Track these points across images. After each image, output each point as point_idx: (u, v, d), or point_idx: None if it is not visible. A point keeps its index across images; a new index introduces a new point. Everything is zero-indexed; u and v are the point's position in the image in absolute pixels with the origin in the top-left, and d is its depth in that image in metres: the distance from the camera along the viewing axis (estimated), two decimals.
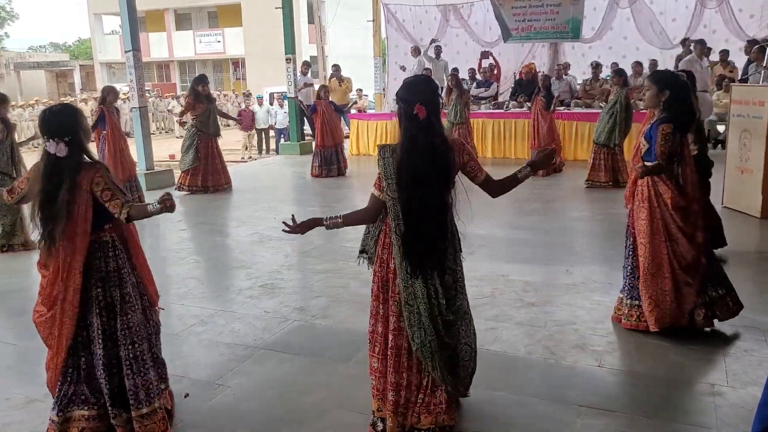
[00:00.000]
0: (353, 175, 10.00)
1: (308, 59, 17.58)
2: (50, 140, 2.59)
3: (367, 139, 12.19)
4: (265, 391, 3.24)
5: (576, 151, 10.54)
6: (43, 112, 2.71)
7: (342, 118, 11.82)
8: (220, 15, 35.38)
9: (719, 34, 11.82)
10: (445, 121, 10.04)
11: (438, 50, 13.68)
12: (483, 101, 12.02)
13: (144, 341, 2.77)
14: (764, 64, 7.96)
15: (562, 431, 2.81)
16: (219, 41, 34.67)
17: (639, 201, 3.66)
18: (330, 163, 9.87)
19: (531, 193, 8.03)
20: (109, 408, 2.70)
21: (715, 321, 3.75)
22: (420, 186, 2.50)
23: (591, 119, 9.56)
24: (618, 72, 8.56)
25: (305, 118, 12.96)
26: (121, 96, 9.17)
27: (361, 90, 18.64)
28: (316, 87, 11.85)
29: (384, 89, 14.70)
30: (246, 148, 17.19)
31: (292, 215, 2.74)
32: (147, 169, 9.26)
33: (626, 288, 3.82)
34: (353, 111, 13.16)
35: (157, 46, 34.93)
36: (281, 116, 15.92)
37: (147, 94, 11.81)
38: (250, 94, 20.28)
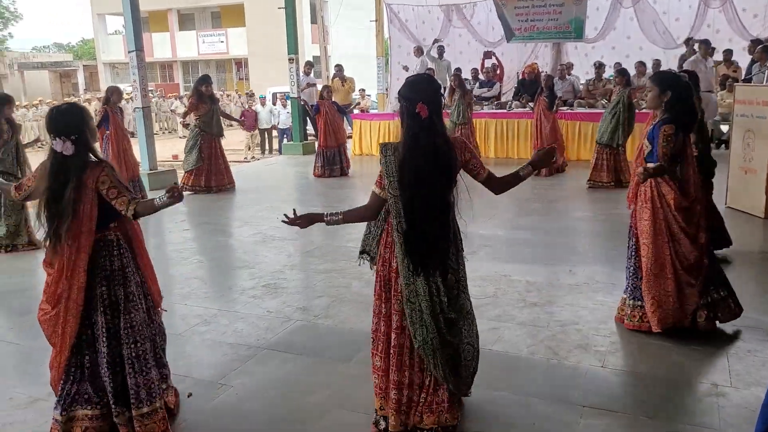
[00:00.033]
0: (356, 175, 10.00)
1: (311, 59, 17.60)
2: (57, 138, 2.61)
3: (370, 139, 12.20)
4: (268, 390, 3.25)
5: (579, 151, 10.52)
6: (50, 110, 2.74)
7: (345, 119, 11.82)
8: (223, 15, 35.44)
9: (723, 34, 11.78)
10: (447, 122, 10.04)
11: (441, 50, 13.68)
12: (486, 101, 12.02)
13: (146, 340, 2.78)
14: None
15: (565, 431, 2.81)
16: (222, 41, 34.73)
17: (642, 201, 3.66)
18: (333, 163, 9.88)
19: (533, 193, 8.02)
20: (113, 406, 2.71)
21: (717, 323, 3.75)
22: (422, 185, 2.51)
23: (594, 119, 9.55)
24: (621, 72, 8.54)
25: (308, 118, 12.98)
26: (125, 96, 9.19)
27: (363, 90, 18.65)
28: (319, 87, 11.87)
29: (387, 89, 14.70)
30: (249, 148, 17.22)
31: (294, 209, 2.75)
32: (150, 169, 9.27)
33: (629, 288, 3.81)
34: (356, 111, 13.16)
35: (160, 46, 35.01)
36: (284, 116, 15.94)
37: (150, 95, 11.82)
38: (254, 94, 20.30)
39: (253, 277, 5.07)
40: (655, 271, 3.60)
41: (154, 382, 2.76)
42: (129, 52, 9.25)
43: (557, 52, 13.27)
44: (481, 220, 6.65)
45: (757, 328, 3.77)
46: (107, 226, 2.73)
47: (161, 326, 2.97)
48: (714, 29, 11.96)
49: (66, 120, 2.65)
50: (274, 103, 17.71)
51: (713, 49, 10.86)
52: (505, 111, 11.42)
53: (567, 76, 11.83)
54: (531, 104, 10.40)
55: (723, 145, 10.58)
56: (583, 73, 12.88)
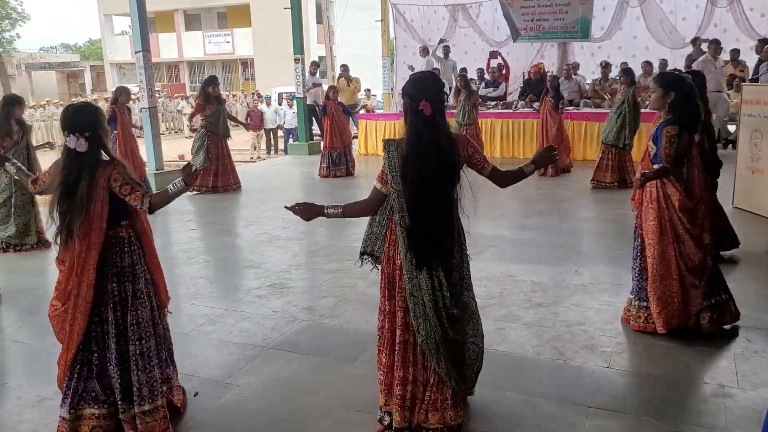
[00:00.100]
0: (361, 175, 10.01)
1: (317, 59, 17.65)
2: (71, 135, 2.65)
3: (376, 139, 12.20)
4: (274, 390, 3.26)
5: (585, 152, 10.49)
6: (65, 108, 2.79)
7: (350, 119, 11.83)
8: (230, 15, 35.53)
9: (730, 33, 11.73)
10: (453, 122, 10.04)
11: (446, 50, 13.67)
12: (491, 101, 12.00)
13: (151, 338, 2.79)
14: None
15: None
16: (228, 42, 34.83)
17: (647, 202, 3.65)
18: (338, 163, 9.89)
19: (539, 193, 8.01)
20: (119, 403, 2.73)
21: (723, 326, 3.73)
22: (425, 183, 2.52)
23: (600, 119, 9.51)
24: (625, 71, 8.52)
25: (314, 119, 12.99)
26: (132, 96, 9.24)
27: (369, 90, 18.67)
28: (325, 87, 11.88)
29: (392, 89, 14.70)
30: (255, 148, 17.26)
31: (296, 203, 2.77)
32: (156, 169, 9.31)
33: (635, 289, 3.81)
34: (362, 111, 13.17)
35: (166, 46, 35.13)
36: (290, 116, 15.97)
37: (157, 95, 11.87)
38: (261, 95, 20.35)
39: (259, 276, 5.09)
40: (661, 272, 3.59)
41: (156, 380, 2.78)
42: (136, 52, 9.29)
43: (563, 52, 13.24)
44: (486, 220, 6.64)
45: (765, 329, 3.75)
46: (119, 224, 2.76)
47: (166, 329, 2.98)
48: (721, 29, 11.92)
49: (80, 118, 2.69)
50: (279, 104, 17.74)
51: (721, 48, 10.81)
52: (510, 111, 11.40)
53: (573, 76, 11.80)
54: (536, 104, 10.37)
55: (730, 145, 10.53)
56: (589, 73, 12.85)
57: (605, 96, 10.39)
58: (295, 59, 12.55)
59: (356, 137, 12.52)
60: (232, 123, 9.07)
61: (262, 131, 17.44)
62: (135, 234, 2.83)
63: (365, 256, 2.88)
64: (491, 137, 11.21)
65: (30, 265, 5.65)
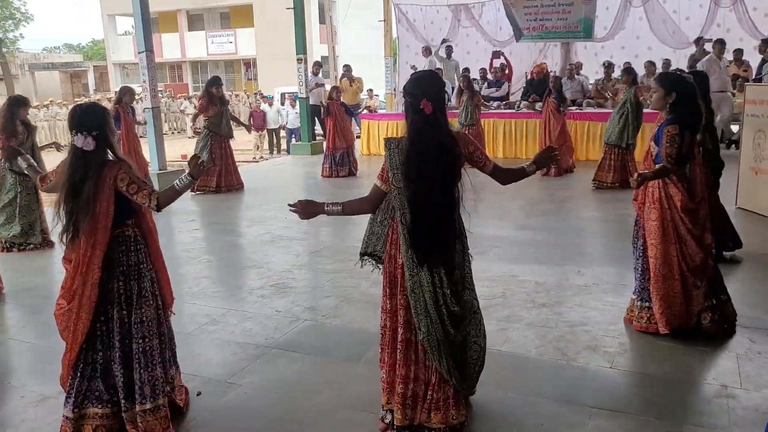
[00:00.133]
0: (364, 175, 10.01)
1: (319, 59, 17.63)
2: (78, 134, 2.67)
3: (378, 140, 12.19)
4: (277, 390, 3.26)
5: (588, 152, 10.48)
6: (73, 108, 2.82)
7: (353, 120, 11.83)
8: (232, 16, 35.57)
9: (733, 33, 11.71)
10: (455, 122, 10.03)
11: (449, 50, 13.67)
12: (493, 101, 11.98)
13: (155, 337, 2.80)
14: None
15: None
16: (231, 42, 34.86)
17: (650, 202, 3.65)
18: (341, 164, 9.89)
19: (542, 193, 8.01)
20: (122, 401, 2.74)
21: (724, 326, 3.73)
22: (426, 182, 2.53)
23: (603, 119, 9.50)
24: (627, 70, 8.50)
25: (317, 119, 12.99)
26: (135, 96, 9.25)
27: (371, 90, 18.67)
28: (328, 87, 11.89)
29: (395, 89, 14.70)
30: (257, 148, 17.28)
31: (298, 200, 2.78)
32: (159, 169, 9.32)
33: (637, 290, 3.80)
34: (364, 111, 13.17)
35: (169, 46, 35.18)
36: (292, 116, 15.98)
37: (159, 95, 11.89)
38: (263, 94, 20.38)
39: (262, 276, 5.09)
40: (664, 272, 3.59)
41: (158, 379, 2.78)
42: (139, 52, 9.30)
43: (566, 52, 13.23)
44: (489, 220, 6.63)
45: None
46: (124, 223, 2.78)
47: (170, 328, 2.99)
48: (724, 28, 11.89)
49: (88, 117, 2.72)
50: (282, 104, 17.74)
51: (725, 48, 10.79)
52: (513, 111, 11.39)
53: (576, 76, 11.79)
54: (539, 104, 10.35)
55: (733, 145, 10.51)
56: (592, 73, 12.84)
57: (606, 95, 10.36)
58: (297, 59, 12.56)
59: (359, 137, 12.53)
60: (234, 123, 9.08)
61: (265, 131, 17.46)
62: (140, 233, 2.85)
63: (366, 257, 2.87)
64: (494, 137, 11.20)
65: (34, 264, 5.67)
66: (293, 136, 16.05)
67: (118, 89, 8.51)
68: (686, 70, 9.08)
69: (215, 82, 8.91)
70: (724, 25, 11.98)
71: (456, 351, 2.65)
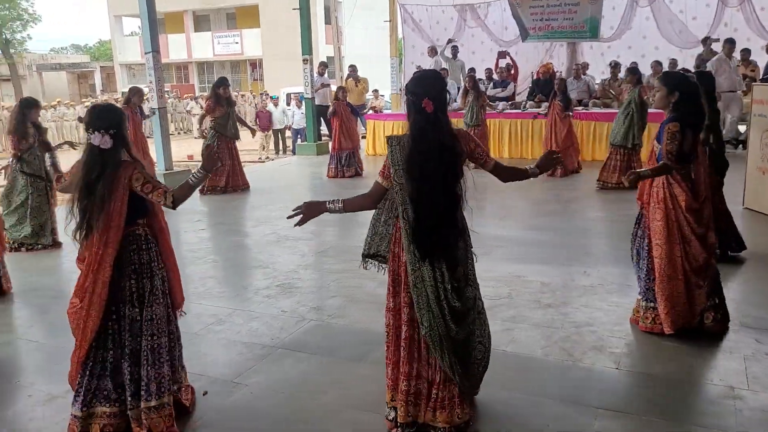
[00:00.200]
0: (370, 176, 10.01)
1: (325, 60, 17.66)
2: (95, 132, 2.70)
3: (384, 140, 12.18)
4: (282, 389, 3.27)
5: (594, 152, 10.45)
6: (91, 107, 2.87)
7: (358, 120, 11.84)
8: (238, 16, 35.66)
9: (740, 33, 11.64)
10: (461, 122, 10.02)
11: (455, 50, 13.66)
12: (499, 102, 11.96)
13: (164, 335, 2.82)
14: None
15: None
16: (237, 42, 34.95)
17: (654, 202, 3.65)
18: (347, 164, 9.90)
19: (547, 194, 7.99)
20: (128, 399, 2.76)
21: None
22: (427, 180, 2.55)
23: (609, 119, 9.47)
24: (631, 70, 8.47)
25: (322, 119, 13.01)
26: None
27: (377, 90, 18.68)
28: (333, 88, 11.89)
29: (400, 89, 14.71)
30: (263, 148, 17.32)
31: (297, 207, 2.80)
32: (166, 169, 9.37)
33: (642, 290, 3.80)
34: (370, 112, 13.19)
35: (175, 47, 35.31)
36: (298, 117, 16.01)
37: (166, 95, 11.95)
38: (268, 94, 20.42)
39: (268, 276, 5.11)
40: (668, 273, 3.59)
41: (164, 377, 2.80)
42: (145, 53, 9.35)
43: (572, 52, 13.19)
44: (494, 220, 6.63)
45: None
46: (135, 222, 2.80)
47: (178, 327, 3.01)
48: (732, 28, 11.83)
49: (106, 116, 2.76)
50: (288, 104, 17.77)
51: (734, 48, 10.73)
52: (519, 111, 11.37)
53: (582, 76, 11.75)
54: (545, 104, 10.33)
55: (740, 146, 10.45)
56: (598, 73, 12.80)
57: (610, 94, 10.33)
58: (303, 60, 12.58)
59: (364, 137, 12.54)
60: (240, 125, 9.10)
61: (271, 132, 17.50)
62: (152, 232, 2.88)
63: (369, 259, 2.88)
64: (499, 137, 11.18)
65: (42, 264, 5.70)
66: (299, 136, 16.08)
67: (126, 90, 8.56)
68: (692, 70, 9.04)
69: (222, 83, 8.93)
70: (731, 24, 11.92)
71: (458, 348, 2.66)
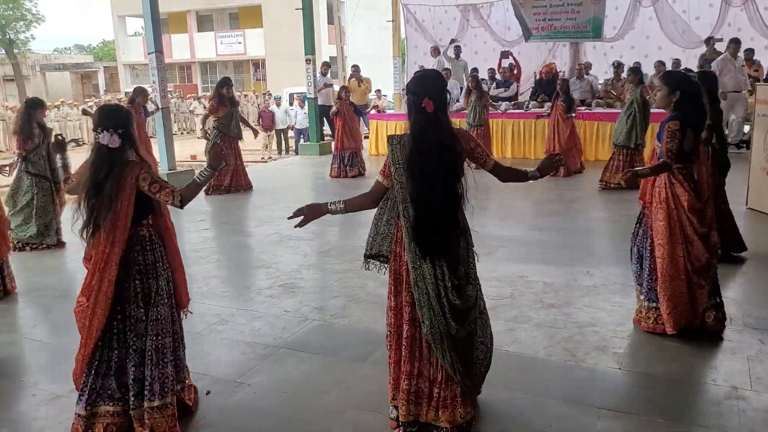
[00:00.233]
0: (372, 176, 10.00)
1: (328, 60, 17.67)
2: (104, 131, 2.73)
3: (387, 140, 12.18)
4: (285, 389, 3.28)
5: (597, 152, 10.44)
6: (100, 107, 2.93)
7: (361, 120, 11.84)
8: (241, 16, 35.69)
9: (744, 33, 11.62)
10: (464, 122, 10.02)
11: (457, 50, 13.65)
12: (502, 102, 11.95)
13: (168, 335, 2.84)
14: None
15: None
16: (240, 42, 34.98)
17: (657, 203, 3.65)
18: (351, 164, 9.91)
19: (550, 194, 7.98)
20: (132, 399, 2.76)
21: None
22: (428, 180, 2.56)
23: (612, 119, 9.45)
24: (633, 70, 8.45)
25: (325, 119, 13.02)
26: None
27: (380, 90, 18.68)
28: (336, 87, 11.90)
29: (403, 89, 14.70)
30: (266, 148, 17.34)
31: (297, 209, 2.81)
32: (169, 169, 9.38)
33: (644, 290, 3.79)
34: (372, 112, 13.19)
35: (178, 47, 35.36)
36: (301, 117, 16.03)
37: (169, 95, 11.97)
38: (271, 94, 20.44)
39: (270, 276, 5.12)
40: (671, 273, 3.59)
41: (168, 377, 2.81)
42: (149, 53, 9.36)
43: (575, 52, 13.18)
44: (497, 220, 6.63)
45: None
46: (140, 222, 2.82)
47: (182, 328, 3.02)
48: (735, 28, 11.81)
49: (114, 115, 2.80)
50: (291, 104, 17.78)
51: (739, 47, 10.68)
52: (522, 111, 11.36)
53: (585, 76, 11.74)
54: (547, 104, 10.32)
55: (744, 146, 10.42)
56: (601, 73, 12.79)
57: (611, 94, 10.31)
58: (306, 60, 12.59)
59: (367, 138, 12.54)
60: (243, 125, 9.12)
61: (273, 132, 17.52)
62: (158, 233, 2.90)
63: (371, 260, 2.88)
64: (502, 138, 11.17)
65: (46, 264, 5.72)
66: (302, 136, 16.09)
67: (129, 90, 8.58)
68: (694, 71, 9.03)
69: (225, 83, 8.93)
70: (734, 24, 11.89)
71: (460, 347, 2.66)
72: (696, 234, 3.57)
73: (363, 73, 14.04)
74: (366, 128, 13.18)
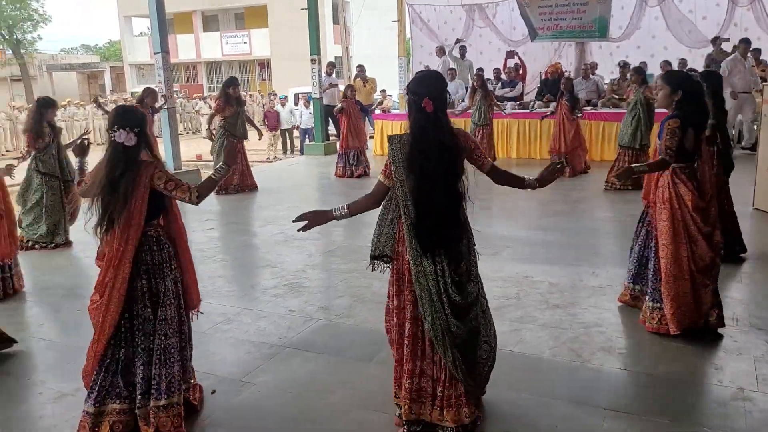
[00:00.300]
0: (377, 175, 10.02)
1: (333, 60, 17.68)
2: (120, 130, 2.76)
3: None
4: (290, 389, 3.28)
5: (603, 152, 10.39)
6: (116, 107, 2.98)
7: (366, 119, 11.83)
8: (247, 16, 35.77)
9: (751, 33, 11.55)
10: (469, 122, 10.01)
11: (463, 50, 13.64)
12: (507, 102, 11.94)
13: (175, 335, 2.85)
14: None
15: None
16: (245, 42, 35.05)
17: (660, 203, 3.65)
18: (356, 164, 9.92)
19: (555, 194, 7.96)
20: (138, 398, 2.78)
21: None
22: (428, 179, 2.57)
23: (618, 119, 9.43)
24: (636, 70, 8.42)
25: (330, 119, 13.03)
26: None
27: (384, 90, 18.68)
28: (341, 87, 11.90)
29: (403, 89, 14.70)
30: (271, 146, 17.37)
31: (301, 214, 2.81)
32: (175, 169, 9.40)
33: (649, 290, 3.79)
34: (377, 111, 13.21)
35: (184, 47, 35.47)
36: (306, 117, 16.04)
37: (175, 95, 12.01)
38: (276, 94, 20.48)
39: (276, 276, 5.12)
40: (675, 272, 3.58)
41: (175, 377, 2.82)
42: (155, 53, 9.39)
43: (581, 52, 13.14)
44: (502, 220, 6.62)
45: None
46: (149, 223, 2.84)
47: (190, 328, 3.03)
48: (742, 28, 11.75)
49: (130, 114, 2.85)
50: (296, 104, 17.80)
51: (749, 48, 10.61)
52: (527, 111, 11.34)
53: (591, 76, 11.71)
54: (554, 104, 10.30)
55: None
56: (607, 73, 12.75)
57: (614, 97, 10.28)
58: (311, 60, 12.61)
59: (372, 137, 12.53)
60: (248, 125, 9.14)
61: (278, 132, 17.54)
62: (167, 234, 2.92)
63: (377, 261, 2.89)
64: (507, 138, 11.15)
65: (55, 263, 5.74)
66: (307, 136, 16.11)
67: (134, 89, 8.61)
68: (698, 71, 8.97)
69: (232, 82, 8.94)
70: (741, 24, 11.84)
71: (461, 345, 2.65)
72: (700, 233, 3.56)
73: (368, 73, 14.04)
74: (371, 128, 13.17)
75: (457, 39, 13.96)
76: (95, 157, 2.93)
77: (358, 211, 2.81)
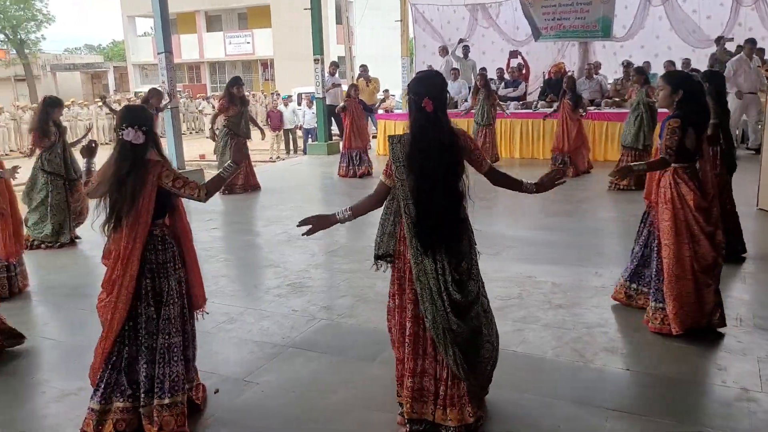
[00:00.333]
0: (379, 175, 10.02)
1: (336, 60, 17.70)
2: (129, 128, 2.78)
3: None
4: (293, 388, 3.29)
5: (606, 152, 10.38)
6: (123, 107, 3.03)
7: (369, 119, 11.84)
8: (250, 16, 35.81)
9: (755, 33, 11.52)
10: (472, 123, 10.00)
11: (466, 50, 13.63)
12: (510, 101, 11.92)
13: (178, 334, 2.86)
14: None
15: None
16: (248, 42, 35.10)
17: (662, 203, 3.65)
18: (359, 163, 9.92)
19: (558, 194, 7.92)
20: (142, 396, 2.79)
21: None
22: (428, 179, 2.58)
23: (621, 119, 9.40)
24: (638, 70, 8.41)
25: (333, 119, 13.04)
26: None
27: (387, 90, 18.69)
28: (344, 87, 11.90)
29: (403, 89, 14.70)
30: (275, 146, 17.40)
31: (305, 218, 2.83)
32: (178, 169, 9.40)
33: (652, 291, 3.78)
34: (380, 111, 13.22)
35: (188, 47, 35.52)
36: (309, 116, 16.05)
37: (178, 95, 12.04)
38: (279, 94, 20.49)
39: (279, 276, 5.13)
40: (677, 272, 3.58)
41: (178, 376, 2.83)
42: (158, 53, 9.41)
43: (585, 51, 13.11)
44: (504, 220, 6.62)
45: None
46: (155, 222, 2.85)
47: (194, 327, 3.04)
48: (746, 27, 11.72)
49: (138, 113, 2.88)
50: (299, 104, 17.82)
51: (740, 47, 10.59)
52: (530, 111, 11.32)
53: (594, 76, 11.68)
54: (556, 103, 10.28)
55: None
56: (611, 73, 12.71)
57: (615, 99, 10.27)
58: (314, 60, 12.61)
59: (374, 137, 12.53)
60: (251, 124, 9.14)
61: (281, 131, 17.56)
62: (173, 234, 2.93)
63: (380, 261, 2.89)
64: (510, 137, 11.13)
65: (59, 262, 5.76)
66: (310, 136, 16.12)
67: (138, 90, 8.63)
68: (701, 71, 8.95)
69: (236, 82, 8.94)
70: (745, 24, 11.81)
71: (463, 344, 2.65)
72: (702, 233, 3.56)
73: (371, 73, 14.05)
74: (374, 128, 13.17)
75: (460, 39, 13.95)
76: (101, 157, 2.94)
77: (360, 213, 2.82)
